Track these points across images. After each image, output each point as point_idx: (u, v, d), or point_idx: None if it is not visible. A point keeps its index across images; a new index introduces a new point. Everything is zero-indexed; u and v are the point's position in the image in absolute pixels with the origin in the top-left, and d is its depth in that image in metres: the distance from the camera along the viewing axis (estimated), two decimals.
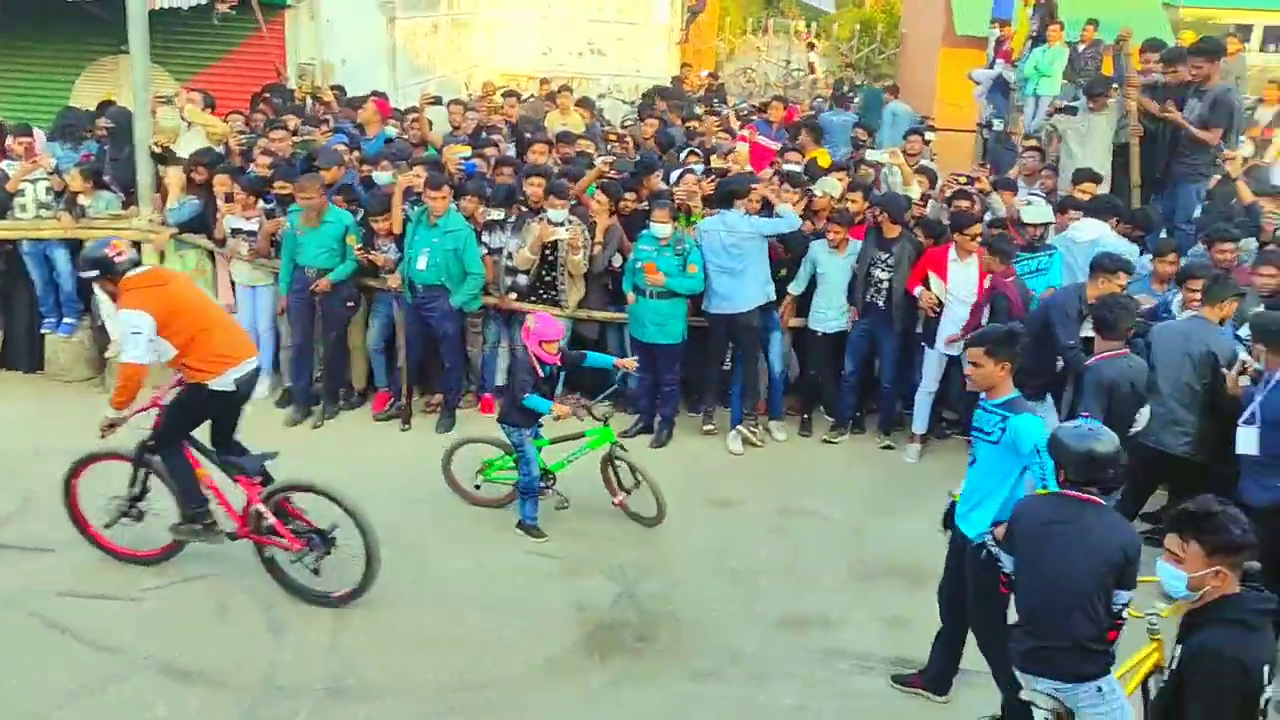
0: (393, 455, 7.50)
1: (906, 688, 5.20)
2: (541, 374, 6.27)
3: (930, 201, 8.51)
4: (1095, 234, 7.37)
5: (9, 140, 8.59)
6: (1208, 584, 3.20)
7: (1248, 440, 5.47)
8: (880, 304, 7.52)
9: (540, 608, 5.83)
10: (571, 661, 5.41)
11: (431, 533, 6.49)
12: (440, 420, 7.95)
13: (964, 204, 7.77)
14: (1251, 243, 7.23)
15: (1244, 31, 25.00)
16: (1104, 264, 6.34)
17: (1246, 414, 5.48)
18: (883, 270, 7.47)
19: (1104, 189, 8.31)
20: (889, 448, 7.81)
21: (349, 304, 7.88)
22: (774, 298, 7.68)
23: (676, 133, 10.72)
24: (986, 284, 7.05)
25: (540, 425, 6.47)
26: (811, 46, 22.80)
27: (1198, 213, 8.38)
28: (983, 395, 4.70)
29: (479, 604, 5.83)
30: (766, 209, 7.64)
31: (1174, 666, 3.29)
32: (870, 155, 9.70)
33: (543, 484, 6.52)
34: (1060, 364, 6.47)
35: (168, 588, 5.84)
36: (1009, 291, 6.91)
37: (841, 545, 6.52)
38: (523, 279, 7.88)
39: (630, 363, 6.78)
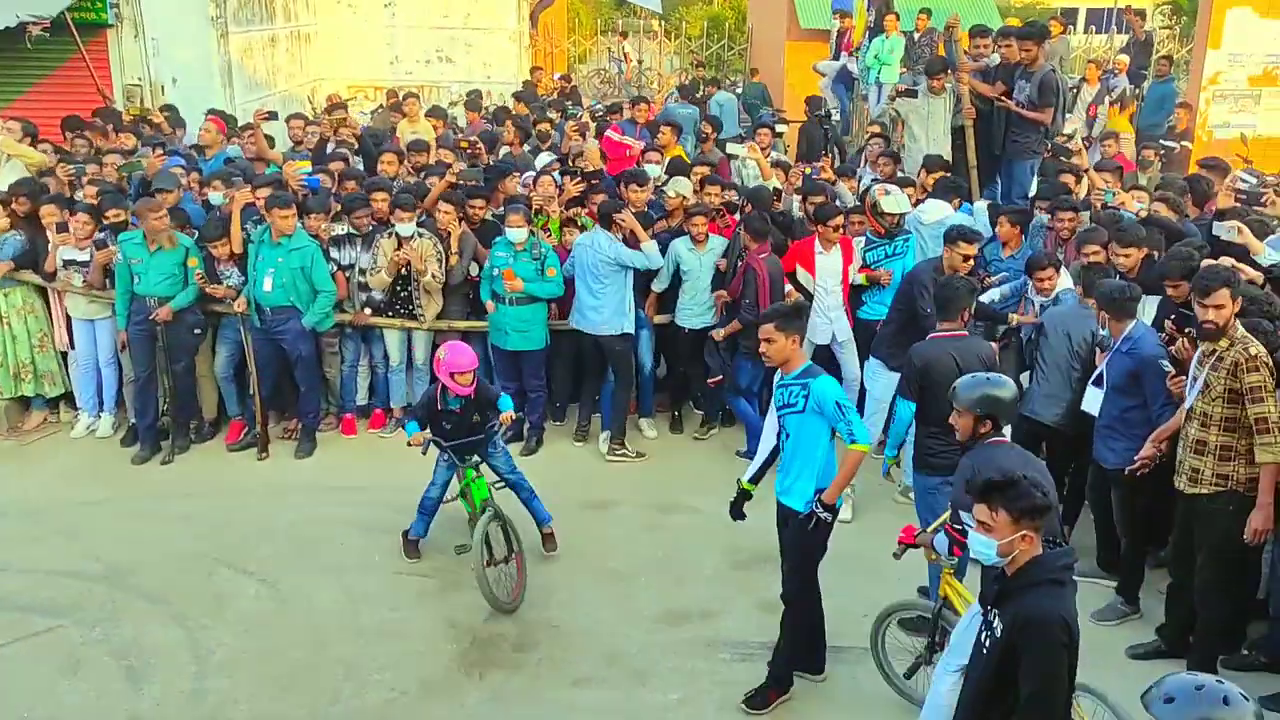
0: (251, 486, 7.21)
1: None
2: (443, 405, 5.98)
3: (782, 194, 8.64)
4: (940, 215, 7.64)
5: None
6: (1017, 548, 3.35)
7: (1092, 401, 5.72)
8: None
9: (413, 629, 5.67)
10: (448, 681, 5.27)
11: (296, 563, 6.25)
12: (299, 446, 7.67)
13: (819, 199, 7.92)
14: (1088, 216, 7.56)
15: (1069, 15, 26.35)
16: (950, 235, 6.56)
17: (1095, 375, 5.72)
18: None
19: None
20: None
21: (195, 331, 7.54)
22: (631, 330, 7.60)
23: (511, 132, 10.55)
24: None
25: (459, 457, 6.01)
26: (624, 36, 23.36)
27: (1033, 189, 8.74)
28: (779, 373, 4.91)
29: (349, 631, 5.64)
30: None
31: (995, 634, 3.39)
32: (730, 149, 9.80)
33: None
34: None
35: (12, 645, 5.47)
36: (757, 266, 7.15)
37: (716, 537, 6.52)
38: (378, 294, 7.68)
39: (508, 417, 6.18)
